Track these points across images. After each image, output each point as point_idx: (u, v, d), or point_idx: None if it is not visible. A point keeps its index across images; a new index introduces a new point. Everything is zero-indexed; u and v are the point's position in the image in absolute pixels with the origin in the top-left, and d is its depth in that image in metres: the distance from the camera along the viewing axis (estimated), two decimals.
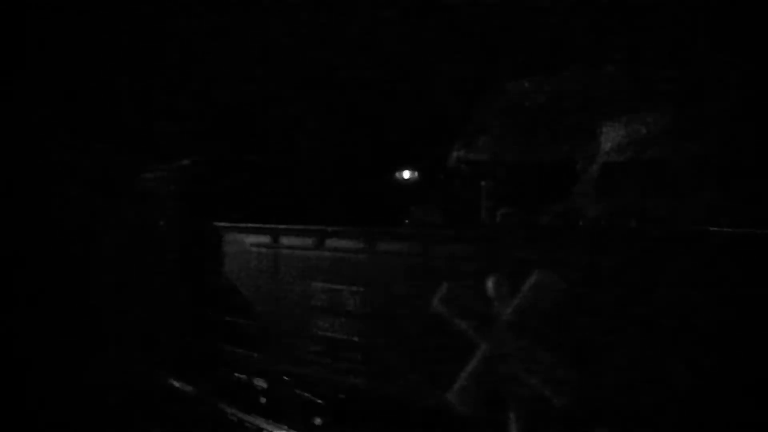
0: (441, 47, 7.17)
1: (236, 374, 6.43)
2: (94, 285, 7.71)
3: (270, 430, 5.87)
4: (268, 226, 6.04)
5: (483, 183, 7.38)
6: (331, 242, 5.30)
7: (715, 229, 3.92)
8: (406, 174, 8.89)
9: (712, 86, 5.02)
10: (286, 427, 5.72)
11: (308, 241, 5.49)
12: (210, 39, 8.85)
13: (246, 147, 8.68)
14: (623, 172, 6.08)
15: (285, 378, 5.82)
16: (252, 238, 6.22)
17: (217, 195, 7.11)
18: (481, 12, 6.70)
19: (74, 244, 7.85)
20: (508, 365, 3.64)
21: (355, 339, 5.09)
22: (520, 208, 6.49)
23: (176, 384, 7.16)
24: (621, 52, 5.68)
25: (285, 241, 5.81)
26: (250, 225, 6.30)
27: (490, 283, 3.75)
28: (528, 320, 3.65)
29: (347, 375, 5.11)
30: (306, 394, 5.58)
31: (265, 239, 6.04)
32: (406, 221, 6.91)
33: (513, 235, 4.65)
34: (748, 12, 4.86)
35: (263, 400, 6.11)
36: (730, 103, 4.93)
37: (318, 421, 5.46)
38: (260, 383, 6.16)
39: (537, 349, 3.63)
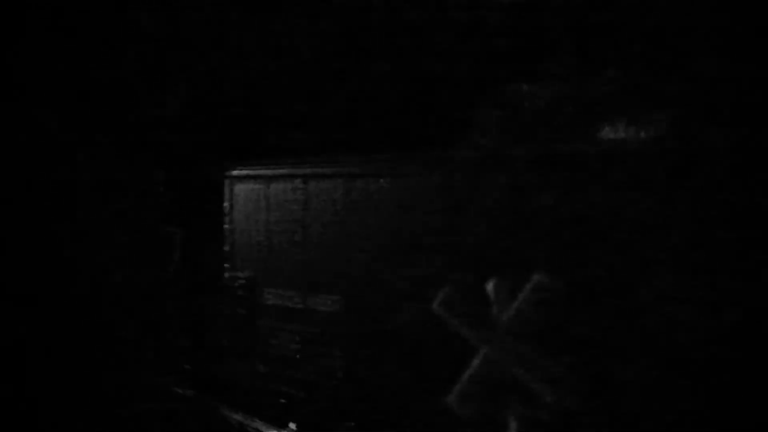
0: (440, 47, 7.18)
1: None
2: (96, 285, 7.70)
3: None
4: None
5: None
6: None
7: None
8: None
9: (712, 90, 5.03)
10: (288, 431, 5.72)
11: None
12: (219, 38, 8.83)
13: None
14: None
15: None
16: None
17: None
18: (480, 13, 6.71)
19: (76, 245, 7.85)
20: (508, 368, 3.65)
21: None
22: None
23: (178, 388, 7.15)
24: (622, 56, 5.69)
25: None
26: None
27: (490, 286, 3.77)
28: (528, 323, 3.66)
29: None
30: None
31: None
32: None
33: None
34: (749, 15, 4.88)
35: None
36: (730, 106, 4.94)
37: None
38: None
39: (537, 352, 3.64)
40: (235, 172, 6.06)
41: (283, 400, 5.57)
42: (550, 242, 3.89)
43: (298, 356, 5.39)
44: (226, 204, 6.11)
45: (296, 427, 5.49)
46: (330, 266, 5.09)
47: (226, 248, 6.10)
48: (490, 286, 3.77)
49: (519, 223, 4.02)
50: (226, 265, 6.15)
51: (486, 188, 4.20)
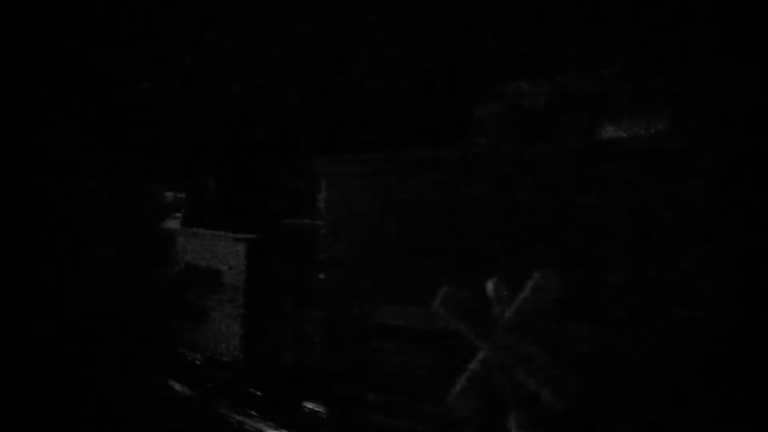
0: (439, 48, 7.18)
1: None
2: (94, 285, 7.70)
3: None
4: None
5: None
6: None
7: None
8: None
9: (712, 89, 5.03)
10: (287, 431, 5.72)
11: None
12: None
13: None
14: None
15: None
16: None
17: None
18: (480, 13, 6.71)
19: (75, 245, 7.83)
20: (508, 368, 3.65)
21: None
22: None
23: (175, 386, 7.15)
24: (620, 56, 5.69)
25: None
26: None
27: (490, 285, 3.77)
28: (528, 323, 3.66)
29: None
30: None
31: None
32: None
33: None
34: (749, 15, 4.88)
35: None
36: (730, 106, 4.94)
37: None
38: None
39: (537, 351, 3.64)
40: (335, 166, 4.77)
41: None
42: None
43: (426, 387, 4.18)
44: (321, 204, 4.90)
45: None
46: (471, 279, 3.96)
47: (323, 256, 4.84)
48: (490, 286, 3.77)
49: None
50: (320, 276, 4.85)
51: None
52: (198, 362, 6.49)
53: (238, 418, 6.23)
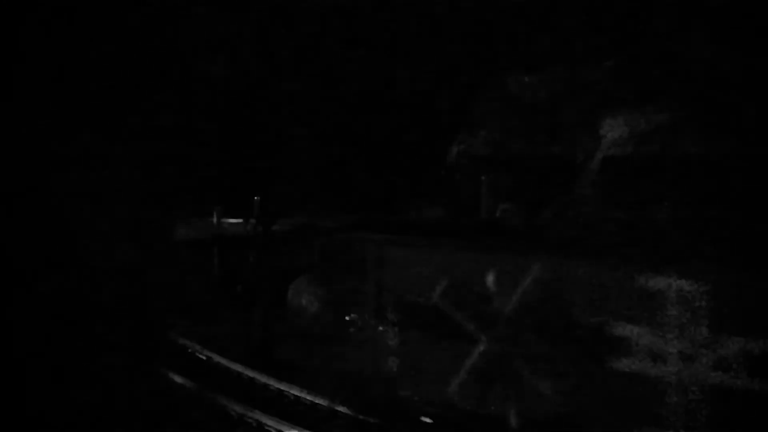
0: (441, 41, 7.14)
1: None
2: (93, 282, 7.69)
3: (270, 425, 5.86)
4: None
5: (483, 178, 7.37)
6: None
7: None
8: None
9: (711, 81, 5.01)
10: (286, 423, 5.72)
11: None
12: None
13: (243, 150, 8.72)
14: (623, 167, 6.09)
15: None
16: None
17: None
18: (482, 7, 6.68)
19: (73, 244, 7.83)
20: (507, 360, 3.64)
21: None
22: (520, 204, 6.47)
23: (177, 379, 7.13)
24: (621, 48, 5.66)
25: None
26: None
27: (490, 278, 3.76)
28: (528, 315, 3.65)
29: None
30: None
31: None
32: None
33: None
34: (747, 8, 4.85)
35: None
36: (728, 98, 4.92)
37: None
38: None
39: (537, 344, 3.63)
40: None
41: None
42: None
43: None
44: None
45: None
46: None
47: None
48: (490, 278, 3.76)
49: None
50: None
51: None
52: None
53: (238, 410, 6.22)
